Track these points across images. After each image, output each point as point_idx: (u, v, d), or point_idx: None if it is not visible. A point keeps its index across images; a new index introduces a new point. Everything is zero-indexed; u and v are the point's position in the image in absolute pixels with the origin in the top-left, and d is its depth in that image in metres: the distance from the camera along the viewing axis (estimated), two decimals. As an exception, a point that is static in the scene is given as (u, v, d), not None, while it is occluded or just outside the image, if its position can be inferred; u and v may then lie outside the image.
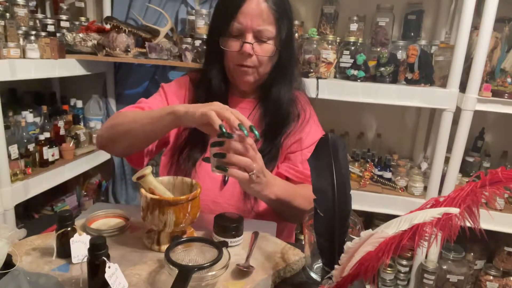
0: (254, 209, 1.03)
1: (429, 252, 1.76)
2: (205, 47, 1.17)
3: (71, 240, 0.74)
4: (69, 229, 0.76)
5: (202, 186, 0.83)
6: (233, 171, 0.82)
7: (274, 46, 1.00)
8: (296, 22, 1.89)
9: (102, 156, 2.09)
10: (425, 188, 1.74)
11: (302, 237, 1.84)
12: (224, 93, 1.08)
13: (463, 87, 1.58)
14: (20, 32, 1.56)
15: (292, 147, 1.08)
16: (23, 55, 1.54)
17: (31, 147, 1.63)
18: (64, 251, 0.75)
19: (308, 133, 1.08)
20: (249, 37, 0.97)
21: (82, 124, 2.02)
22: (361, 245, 0.53)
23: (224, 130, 0.78)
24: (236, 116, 0.80)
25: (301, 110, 1.10)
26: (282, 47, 1.01)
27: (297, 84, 1.13)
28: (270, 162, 1.03)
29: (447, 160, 1.66)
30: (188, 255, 0.73)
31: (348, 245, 0.55)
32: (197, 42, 1.78)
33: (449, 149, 1.64)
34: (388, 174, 1.81)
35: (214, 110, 0.80)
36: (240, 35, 0.98)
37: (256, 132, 0.81)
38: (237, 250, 0.82)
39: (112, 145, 1.01)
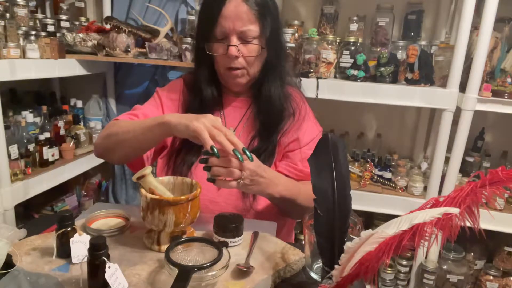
0: (253, 207, 1.03)
1: (429, 252, 1.76)
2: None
3: (71, 240, 0.74)
4: (69, 229, 0.76)
5: (200, 186, 0.84)
6: (219, 183, 0.85)
7: (259, 45, 0.99)
8: (296, 22, 1.89)
9: (102, 156, 2.09)
10: (425, 188, 1.74)
11: (302, 237, 1.84)
12: (217, 94, 1.09)
13: (463, 87, 1.58)
14: (20, 32, 1.56)
15: (290, 146, 1.08)
16: (23, 55, 1.54)
17: (31, 147, 1.63)
18: (64, 251, 0.75)
19: (305, 131, 1.09)
20: (234, 40, 0.97)
21: (82, 124, 2.02)
22: (361, 245, 0.53)
23: (215, 151, 0.79)
24: (229, 139, 0.81)
25: (296, 108, 1.10)
26: (268, 44, 1.01)
27: (289, 80, 1.13)
28: (267, 159, 1.03)
29: (447, 160, 1.66)
30: (188, 255, 0.73)
31: (348, 245, 0.55)
32: (197, 42, 1.78)
33: (449, 149, 1.64)
34: (388, 174, 1.81)
35: (207, 129, 0.80)
36: (224, 38, 0.98)
37: (249, 154, 0.82)
38: (237, 250, 0.82)
39: (109, 155, 1.03)
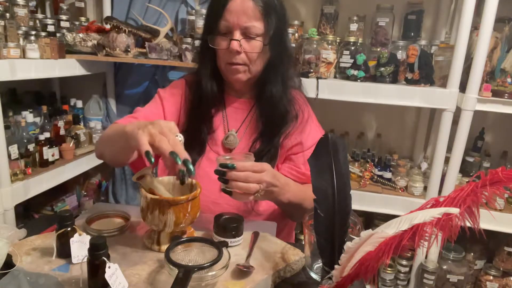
0: (254, 209, 1.03)
1: (429, 252, 1.76)
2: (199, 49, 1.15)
3: (71, 240, 0.74)
4: (69, 229, 0.76)
5: (202, 187, 0.84)
6: (236, 196, 0.85)
7: (262, 42, 0.99)
8: (296, 22, 1.89)
9: (102, 156, 2.09)
10: (425, 188, 1.74)
11: (302, 237, 1.84)
12: (219, 93, 1.09)
13: (463, 87, 1.58)
14: (20, 32, 1.56)
15: (293, 149, 1.08)
16: (23, 55, 1.53)
17: (31, 147, 1.63)
18: (64, 251, 0.75)
19: (309, 134, 1.08)
20: (237, 34, 0.97)
21: (82, 124, 2.02)
22: (361, 245, 0.53)
23: (150, 157, 0.70)
24: (172, 144, 0.72)
25: (299, 110, 1.10)
26: (272, 43, 1.01)
27: (293, 83, 1.13)
28: (269, 162, 1.03)
29: (447, 160, 1.66)
30: (188, 255, 0.73)
31: (348, 245, 0.55)
32: (197, 42, 1.78)
33: (449, 149, 1.64)
34: (388, 174, 1.81)
35: (149, 134, 0.72)
36: (228, 33, 0.98)
37: (191, 167, 0.71)
38: (237, 250, 0.82)
39: (104, 157, 1.03)
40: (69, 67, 1.79)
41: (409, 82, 1.66)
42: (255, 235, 0.88)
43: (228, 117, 1.10)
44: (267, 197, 0.93)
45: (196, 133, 1.06)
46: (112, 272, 0.66)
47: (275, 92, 1.04)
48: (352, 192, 0.69)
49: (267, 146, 1.05)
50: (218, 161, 0.85)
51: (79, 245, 0.74)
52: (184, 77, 1.18)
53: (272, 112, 1.05)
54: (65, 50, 1.74)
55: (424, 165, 1.86)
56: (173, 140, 0.73)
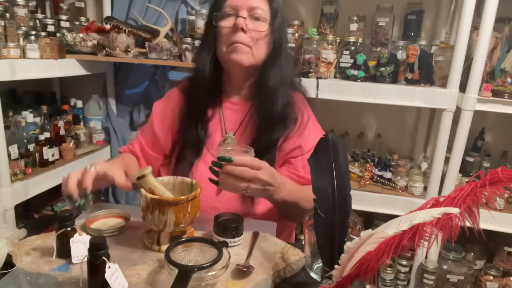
0: (251, 212, 1.03)
1: (429, 252, 1.76)
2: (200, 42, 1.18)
3: (71, 240, 0.74)
4: (69, 229, 0.76)
5: None
6: (224, 187, 0.87)
7: (267, 24, 1.01)
8: (296, 22, 1.89)
9: (102, 156, 2.09)
10: (425, 188, 1.74)
11: (302, 237, 1.84)
12: (216, 94, 1.09)
13: (463, 87, 1.58)
14: (20, 32, 1.56)
15: (293, 153, 1.07)
16: (23, 55, 1.54)
17: (31, 147, 1.63)
18: (64, 251, 0.75)
19: (308, 136, 1.07)
20: (243, 12, 0.99)
21: (82, 124, 2.02)
22: (361, 245, 0.53)
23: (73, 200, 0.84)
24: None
25: (299, 112, 1.08)
26: (274, 30, 1.02)
27: (292, 83, 1.12)
28: None
29: (447, 160, 1.66)
30: (188, 255, 0.73)
31: (348, 245, 0.55)
32: (197, 42, 1.78)
33: (449, 149, 1.64)
34: (388, 174, 1.81)
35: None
36: (233, 15, 1.00)
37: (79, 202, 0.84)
38: (237, 250, 0.82)
39: None
40: (69, 67, 1.79)
41: (409, 82, 1.66)
42: (255, 235, 0.88)
43: (225, 119, 1.10)
44: (261, 194, 0.92)
45: (193, 135, 1.06)
46: (112, 272, 0.66)
47: (273, 85, 1.03)
48: (352, 192, 0.69)
49: (266, 149, 1.04)
50: (218, 152, 0.86)
51: (79, 245, 0.74)
52: (178, 85, 1.19)
53: (270, 113, 1.04)
54: (65, 50, 1.74)
55: (424, 165, 1.86)
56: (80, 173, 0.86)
